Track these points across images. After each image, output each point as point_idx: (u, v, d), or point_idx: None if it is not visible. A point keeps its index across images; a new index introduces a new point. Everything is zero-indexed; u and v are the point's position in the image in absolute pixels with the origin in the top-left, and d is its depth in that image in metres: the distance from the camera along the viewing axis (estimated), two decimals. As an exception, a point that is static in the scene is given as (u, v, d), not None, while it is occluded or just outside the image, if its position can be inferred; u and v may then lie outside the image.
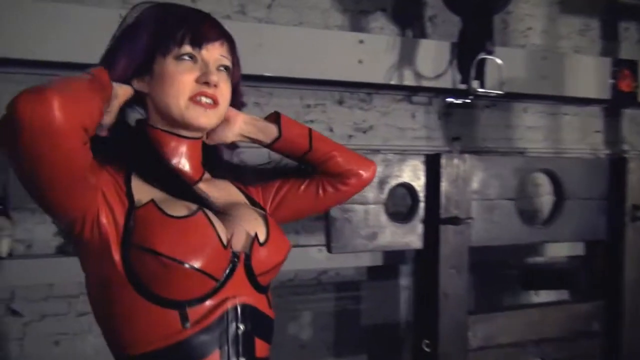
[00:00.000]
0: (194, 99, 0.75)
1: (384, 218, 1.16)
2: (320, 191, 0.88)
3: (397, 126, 2.11)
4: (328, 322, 2.02)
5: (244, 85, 1.85)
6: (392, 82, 1.91)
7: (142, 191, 0.73)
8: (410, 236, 1.18)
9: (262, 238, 0.77)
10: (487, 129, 2.23)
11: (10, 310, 1.70)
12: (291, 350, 1.96)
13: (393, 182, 1.16)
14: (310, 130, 0.91)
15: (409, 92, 2.09)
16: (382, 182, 1.15)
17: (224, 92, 0.78)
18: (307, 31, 1.86)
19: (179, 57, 0.76)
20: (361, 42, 1.85)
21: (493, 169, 1.27)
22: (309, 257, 1.88)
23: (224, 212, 0.78)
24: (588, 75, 2.22)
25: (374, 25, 2.05)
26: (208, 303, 0.70)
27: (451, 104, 2.14)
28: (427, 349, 1.17)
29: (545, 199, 1.61)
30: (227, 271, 0.71)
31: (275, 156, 0.95)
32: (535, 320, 1.30)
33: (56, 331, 1.74)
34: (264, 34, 1.77)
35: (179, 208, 0.71)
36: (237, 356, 0.73)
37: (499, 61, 1.68)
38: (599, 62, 2.27)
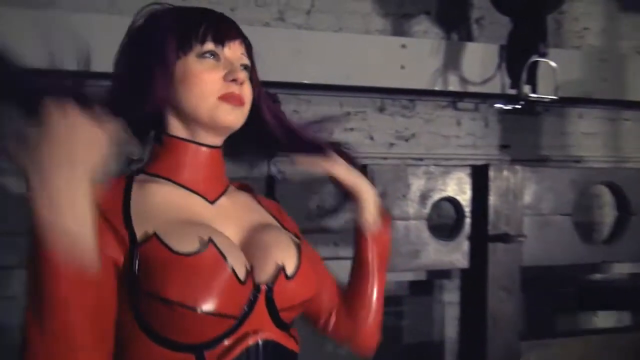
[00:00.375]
0: (222, 98, 0.71)
1: (426, 234, 1.08)
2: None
3: (441, 134, 2.02)
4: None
5: (282, 93, 1.81)
6: (436, 88, 1.82)
7: (144, 218, 0.66)
8: (455, 254, 1.09)
9: (290, 270, 0.70)
10: (540, 137, 2.10)
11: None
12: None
13: (436, 195, 1.08)
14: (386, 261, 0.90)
15: (454, 98, 1.99)
16: (424, 196, 1.07)
17: (248, 93, 0.75)
18: (346, 36, 1.81)
19: (201, 55, 0.72)
20: (403, 46, 1.77)
21: (547, 181, 1.16)
22: (348, 270, 1.82)
23: (248, 235, 0.73)
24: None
25: (417, 29, 1.97)
26: (226, 342, 0.64)
27: (500, 110, 2.03)
28: (473, 377, 1.07)
29: (606, 213, 1.48)
30: (246, 307, 0.65)
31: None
32: (596, 348, 1.18)
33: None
34: (302, 40, 1.72)
35: (187, 238, 0.65)
36: None
37: (552, 64, 1.56)
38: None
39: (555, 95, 1.61)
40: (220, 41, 0.73)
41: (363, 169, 0.94)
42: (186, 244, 0.64)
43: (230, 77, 0.71)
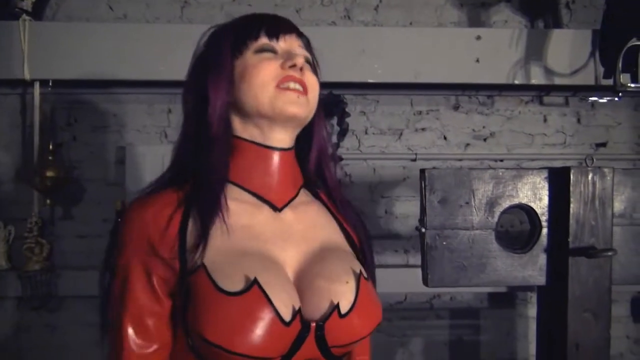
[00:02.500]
0: (281, 86, 0.69)
1: (494, 246, 0.96)
2: None
3: (524, 132, 1.84)
4: (441, 352, 1.82)
5: (349, 93, 1.75)
6: (517, 82, 1.65)
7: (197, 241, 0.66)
8: (529, 270, 0.96)
9: (345, 307, 0.64)
10: (642, 133, 1.85)
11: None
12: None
13: (506, 202, 0.96)
14: None
15: (539, 91, 1.80)
16: (491, 203, 0.96)
17: (312, 81, 0.72)
18: (413, 30, 1.70)
19: (258, 51, 0.71)
20: (478, 37, 1.63)
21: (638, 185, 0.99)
22: (420, 278, 1.71)
23: (305, 262, 0.68)
24: None
25: (497, 19, 1.81)
26: None
27: (594, 103, 1.81)
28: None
29: None
30: (292, 345, 0.61)
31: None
32: None
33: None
34: (368, 37, 1.65)
35: (235, 274, 0.63)
36: None
37: (656, 49, 1.35)
38: None
39: (659, 84, 1.38)
40: (275, 34, 0.72)
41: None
42: (232, 281, 0.62)
43: (288, 64, 0.69)
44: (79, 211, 1.76)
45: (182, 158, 0.74)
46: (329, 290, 0.65)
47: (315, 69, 0.77)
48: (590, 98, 1.79)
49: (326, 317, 0.63)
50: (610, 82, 1.50)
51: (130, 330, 0.65)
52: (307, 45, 0.77)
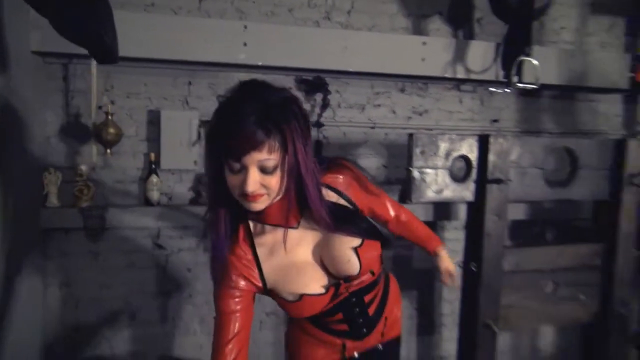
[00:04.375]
0: (242, 197, 1.03)
1: (448, 179, 1.67)
2: None
3: (447, 110, 2.59)
4: (386, 263, 2.56)
5: (329, 77, 2.34)
6: (447, 75, 2.38)
7: (265, 271, 1.14)
8: (465, 192, 1.68)
9: (355, 272, 1.16)
10: (522, 113, 2.69)
11: (156, 245, 2.29)
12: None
13: (455, 154, 1.66)
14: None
15: (458, 82, 2.55)
16: (447, 154, 1.65)
17: (269, 184, 1.02)
18: (378, 35, 2.34)
19: (229, 169, 1.02)
20: (424, 43, 2.33)
21: (527, 146, 1.75)
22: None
23: (322, 249, 1.16)
24: (611, 69, 2.63)
25: (433, 27, 2.51)
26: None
27: (493, 92, 2.61)
28: (474, 269, 1.69)
29: (564, 167, 2.06)
30: (331, 298, 1.19)
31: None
32: (552, 255, 1.81)
33: (189, 261, 2.32)
34: (347, 37, 2.26)
35: (289, 295, 1.14)
36: (357, 306, 1.26)
37: (535, 62, 2.14)
38: (620, 58, 2.67)
39: (536, 85, 2.19)
40: (238, 158, 0.99)
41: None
42: (290, 295, 1.15)
43: (242, 190, 1.01)
44: (116, 161, 2.19)
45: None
46: (344, 266, 1.15)
47: (288, 158, 1.01)
48: (490, 88, 2.58)
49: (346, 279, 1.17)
50: (505, 80, 2.28)
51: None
52: (280, 140, 1.00)
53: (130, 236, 2.24)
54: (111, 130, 2.01)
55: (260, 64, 2.15)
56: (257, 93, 1.03)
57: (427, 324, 2.64)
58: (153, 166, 2.18)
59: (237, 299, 1.12)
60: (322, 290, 1.17)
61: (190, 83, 2.26)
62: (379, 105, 2.50)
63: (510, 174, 1.67)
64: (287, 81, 2.33)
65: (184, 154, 2.21)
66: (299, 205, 1.10)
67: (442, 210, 2.48)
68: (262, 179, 1.02)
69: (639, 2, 2.83)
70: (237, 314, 1.12)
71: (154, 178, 2.17)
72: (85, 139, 2.13)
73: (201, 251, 2.31)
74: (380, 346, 1.36)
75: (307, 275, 1.15)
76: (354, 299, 1.23)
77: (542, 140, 1.80)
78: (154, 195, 2.18)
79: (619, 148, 1.80)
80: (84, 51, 1.51)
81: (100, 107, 2.10)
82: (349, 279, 1.18)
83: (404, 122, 2.53)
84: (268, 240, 1.15)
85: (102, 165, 2.17)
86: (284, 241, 1.13)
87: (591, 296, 1.85)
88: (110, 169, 2.19)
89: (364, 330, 1.31)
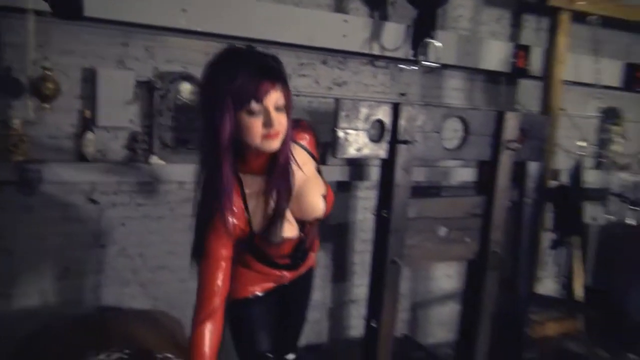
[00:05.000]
0: (264, 138, 1.22)
1: (366, 139, 1.97)
2: None
3: (363, 83, 2.91)
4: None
5: (262, 46, 2.53)
6: (364, 51, 2.69)
7: (252, 214, 1.35)
8: (380, 150, 2.00)
9: (321, 214, 1.49)
10: (425, 89, 3.09)
11: (90, 200, 2.37)
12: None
13: (373, 117, 1.96)
14: None
15: (373, 58, 2.87)
16: (366, 118, 1.96)
17: (282, 122, 1.23)
18: (308, 11, 2.57)
19: (249, 112, 1.18)
20: (345, 21, 2.60)
21: (429, 114, 2.10)
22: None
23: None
24: (497, 55, 3.11)
25: (352, 7, 2.77)
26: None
27: (402, 69, 2.97)
28: (385, 215, 2.03)
29: (458, 133, 2.46)
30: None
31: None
32: (445, 205, 2.21)
33: (123, 215, 2.44)
34: (278, 11, 2.46)
35: (276, 237, 1.38)
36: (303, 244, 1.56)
37: (438, 44, 2.51)
38: (505, 45, 3.16)
39: (438, 63, 2.56)
40: (260, 99, 1.18)
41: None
42: (275, 240, 1.39)
43: (268, 126, 1.20)
44: (51, 117, 2.23)
45: (205, 165, 1.31)
46: (314, 210, 1.45)
47: (288, 103, 1.24)
48: (400, 65, 2.94)
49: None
50: (413, 58, 2.64)
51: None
52: (283, 84, 1.22)
53: (64, 191, 2.30)
54: (50, 85, 2.06)
55: (199, 29, 2.30)
56: (251, 48, 1.26)
57: (340, 272, 3.00)
58: (88, 123, 2.25)
59: (226, 246, 1.31)
60: (296, 233, 1.44)
61: (126, 44, 2.34)
62: (303, 75, 2.74)
63: (416, 136, 2.02)
64: (219, 48, 2.49)
65: (119, 112, 2.31)
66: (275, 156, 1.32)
67: (356, 171, 2.83)
68: (277, 117, 1.20)
69: (520, 0, 3.33)
70: (223, 263, 1.30)
71: (89, 135, 2.25)
72: (18, 93, 2.14)
73: (134, 206, 2.44)
74: (304, 271, 1.67)
75: (286, 221, 1.39)
76: (303, 239, 1.50)
77: (441, 110, 2.17)
78: (90, 151, 2.26)
79: (499, 119, 2.23)
80: (18, 4, 1.54)
81: (34, 63, 2.13)
82: (313, 222, 1.45)
83: (326, 92, 2.80)
84: (254, 190, 1.35)
85: (35, 120, 2.20)
86: (269, 190, 1.34)
87: (474, 238, 2.29)
88: (44, 125, 2.23)
89: (300, 262, 1.59)
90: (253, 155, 1.31)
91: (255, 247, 1.45)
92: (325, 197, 1.47)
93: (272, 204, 1.36)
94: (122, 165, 2.35)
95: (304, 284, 1.75)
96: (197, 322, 1.29)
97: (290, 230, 1.43)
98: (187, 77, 2.41)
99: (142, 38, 2.35)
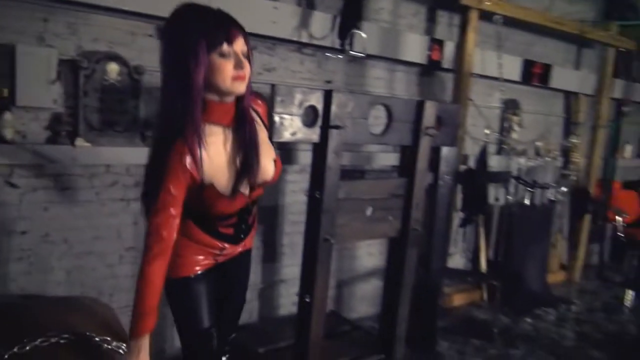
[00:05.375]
0: (234, 80, 1.32)
1: (300, 124, 2.07)
2: None
3: (290, 69, 2.99)
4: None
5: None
6: (293, 39, 2.77)
7: (207, 166, 1.36)
8: (313, 135, 2.11)
9: (270, 176, 1.55)
10: (349, 77, 3.24)
11: (9, 183, 2.25)
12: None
13: (306, 104, 2.06)
14: None
15: (300, 46, 2.96)
16: (300, 104, 2.05)
17: (248, 68, 1.37)
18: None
19: (221, 54, 1.28)
20: (275, 8, 2.66)
21: (358, 101, 2.23)
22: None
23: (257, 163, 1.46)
24: (414, 47, 3.33)
25: (281, -6, 2.85)
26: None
27: (328, 57, 3.09)
28: (318, 196, 2.15)
29: (382, 120, 2.64)
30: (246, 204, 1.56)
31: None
32: (371, 187, 2.37)
33: (44, 200, 2.33)
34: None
35: (226, 189, 1.41)
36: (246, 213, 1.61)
37: (363, 35, 2.66)
38: (422, 39, 3.39)
39: (363, 53, 2.71)
40: (231, 41, 1.29)
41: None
42: (225, 191, 1.43)
43: (238, 68, 1.32)
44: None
45: (169, 114, 1.33)
46: (265, 173, 1.52)
47: (249, 52, 1.37)
48: (327, 54, 3.05)
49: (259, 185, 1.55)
50: (339, 47, 2.77)
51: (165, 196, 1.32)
52: (244, 34, 1.34)
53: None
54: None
55: (126, 8, 2.25)
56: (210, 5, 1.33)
57: (270, 253, 3.09)
58: (6, 103, 2.13)
59: (178, 189, 1.33)
60: (247, 191, 1.49)
61: (47, 20, 2.23)
62: (233, 60, 2.76)
63: (346, 122, 2.15)
64: (149, 29, 2.45)
65: (41, 92, 2.21)
66: (235, 109, 1.40)
67: (286, 156, 2.92)
68: (244, 61, 1.33)
69: (436, -5, 3.58)
70: (173, 210, 1.34)
71: (7, 115, 2.13)
72: None
73: (58, 190, 2.35)
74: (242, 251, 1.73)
75: (239, 177, 1.43)
76: (249, 206, 1.57)
77: (368, 98, 2.32)
78: (8, 132, 2.15)
79: (419, 107, 2.43)
80: None
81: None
82: (261, 185, 1.51)
83: (255, 77, 2.83)
84: (211, 139, 1.38)
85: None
86: (225, 142, 1.40)
87: (396, 217, 2.49)
88: (-46, 103, 2.07)
89: (242, 236, 1.66)
90: (216, 104, 1.36)
91: (202, 204, 1.45)
92: (275, 162, 1.54)
93: (235, 157, 1.42)
94: (44, 147, 2.25)
95: (243, 264, 1.80)
96: (147, 261, 1.34)
97: (244, 186, 1.47)
98: (114, 57, 2.35)
99: (64, 14, 2.25)
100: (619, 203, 4.78)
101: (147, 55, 2.47)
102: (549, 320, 3.73)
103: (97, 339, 1.71)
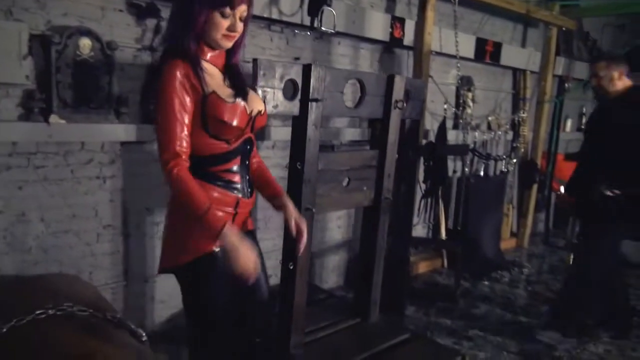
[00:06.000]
0: (225, 36, 1.53)
1: (281, 97, 2.14)
2: None
3: (260, 46, 3.03)
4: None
5: (161, 4, 2.53)
6: (264, 15, 2.81)
7: (209, 82, 1.51)
8: (294, 108, 2.18)
9: (262, 110, 1.69)
10: (316, 54, 3.31)
11: (-20, 162, 2.19)
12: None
13: (286, 77, 2.12)
14: None
15: (269, 22, 3.00)
16: (281, 77, 2.11)
17: (240, 28, 1.56)
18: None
19: (222, 15, 1.49)
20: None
21: (334, 75, 2.32)
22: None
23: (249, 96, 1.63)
24: (377, 25, 3.44)
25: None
26: (239, 138, 1.62)
27: (296, 34, 3.15)
28: (299, 167, 2.23)
29: (358, 94, 2.75)
30: (247, 124, 1.61)
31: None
32: (347, 158, 2.48)
33: (19, 179, 2.29)
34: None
35: (227, 96, 1.53)
36: (246, 159, 1.68)
37: (334, 12, 2.73)
38: (384, 17, 3.51)
39: (333, 30, 2.79)
40: (234, 7, 1.50)
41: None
42: (227, 98, 1.54)
43: (231, 29, 1.53)
44: None
45: (174, 39, 1.53)
46: (256, 105, 1.65)
47: (248, 15, 1.55)
48: (296, 31, 3.11)
49: (257, 114, 1.66)
50: (309, 24, 2.83)
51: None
52: (250, 4, 1.54)
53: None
54: None
55: (98, -17, 2.21)
56: None
57: (243, 228, 3.14)
58: (-25, 79, 2.07)
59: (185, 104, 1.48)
60: (248, 110, 1.59)
61: (14, -7, 2.16)
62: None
63: (324, 95, 2.23)
64: (119, 3, 2.42)
65: (11, 67, 2.15)
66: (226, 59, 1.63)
67: (259, 132, 2.96)
68: (239, 24, 1.54)
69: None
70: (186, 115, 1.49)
71: (-23, 91, 2.07)
72: None
73: (32, 168, 2.31)
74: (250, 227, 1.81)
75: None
76: (247, 147, 1.65)
77: (344, 72, 2.41)
78: (-22, 110, 2.08)
79: (389, 81, 2.54)
80: None
81: None
82: (257, 114, 1.63)
83: (226, 54, 2.87)
84: (208, 70, 1.55)
85: None
86: (219, 77, 1.59)
87: (370, 187, 2.62)
88: None
89: (249, 189, 1.71)
90: (208, 48, 1.57)
91: (206, 125, 1.53)
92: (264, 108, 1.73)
93: (229, 88, 1.59)
94: (17, 124, 2.20)
95: (255, 245, 1.81)
96: (169, 174, 1.45)
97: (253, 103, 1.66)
98: (86, 32, 2.31)
99: (32, -12, 2.19)
100: (562, 174, 5.16)
101: (118, 30, 2.45)
102: (504, 282, 4.02)
103: (90, 310, 1.73)
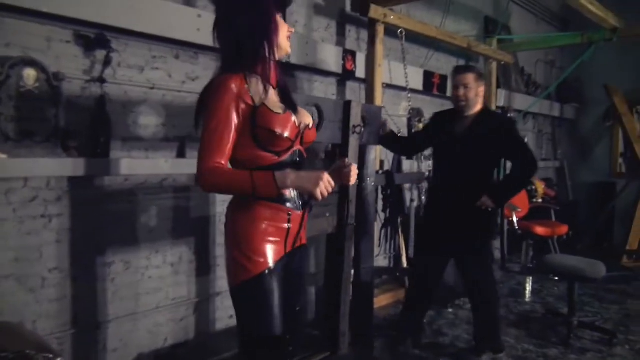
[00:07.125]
0: (287, 39, 1.60)
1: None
2: None
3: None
4: (168, 214, 2.82)
5: (111, 35, 2.46)
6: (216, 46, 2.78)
7: (257, 94, 1.50)
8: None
9: (310, 125, 1.67)
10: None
11: None
12: (142, 233, 2.70)
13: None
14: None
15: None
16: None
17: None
18: (164, 3, 2.58)
19: (282, 17, 1.58)
20: (199, 16, 2.68)
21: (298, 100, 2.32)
22: (157, 166, 2.66)
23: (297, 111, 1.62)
24: (330, 57, 3.51)
25: (201, 4, 2.87)
26: (288, 150, 1.56)
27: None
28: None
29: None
30: (296, 136, 1.58)
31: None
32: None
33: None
34: (134, 0, 2.43)
35: (277, 109, 1.52)
36: (298, 166, 1.61)
37: (287, 42, 2.75)
38: (336, 49, 3.59)
39: (288, 61, 2.80)
40: (288, 5, 1.66)
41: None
42: (279, 110, 1.52)
43: (290, 32, 1.61)
44: None
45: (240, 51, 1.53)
46: (304, 119, 1.63)
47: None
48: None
49: (305, 127, 1.62)
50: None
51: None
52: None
53: None
54: None
55: (44, 10, 2.13)
56: None
57: (203, 266, 3.00)
58: None
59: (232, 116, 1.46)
60: (297, 123, 1.58)
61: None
62: (157, 69, 2.72)
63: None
64: (63, 34, 2.33)
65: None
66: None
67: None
68: None
69: (344, 13, 3.82)
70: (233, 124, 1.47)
71: None
72: None
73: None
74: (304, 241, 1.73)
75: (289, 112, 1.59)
76: (297, 159, 1.60)
77: (303, 97, 2.42)
78: None
79: (347, 107, 2.56)
80: None
81: None
82: (304, 130, 1.61)
83: (179, 86, 2.82)
84: (255, 89, 1.51)
85: None
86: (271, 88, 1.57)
87: (333, 213, 2.58)
88: None
89: (301, 203, 1.63)
90: (263, 64, 1.55)
91: (257, 137, 1.49)
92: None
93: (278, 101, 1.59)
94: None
95: (305, 260, 1.78)
96: (201, 177, 1.45)
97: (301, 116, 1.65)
98: (31, 63, 2.20)
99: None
100: (513, 199, 5.33)
101: (65, 62, 2.36)
102: (467, 308, 4.01)
103: (42, 355, 1.56)
